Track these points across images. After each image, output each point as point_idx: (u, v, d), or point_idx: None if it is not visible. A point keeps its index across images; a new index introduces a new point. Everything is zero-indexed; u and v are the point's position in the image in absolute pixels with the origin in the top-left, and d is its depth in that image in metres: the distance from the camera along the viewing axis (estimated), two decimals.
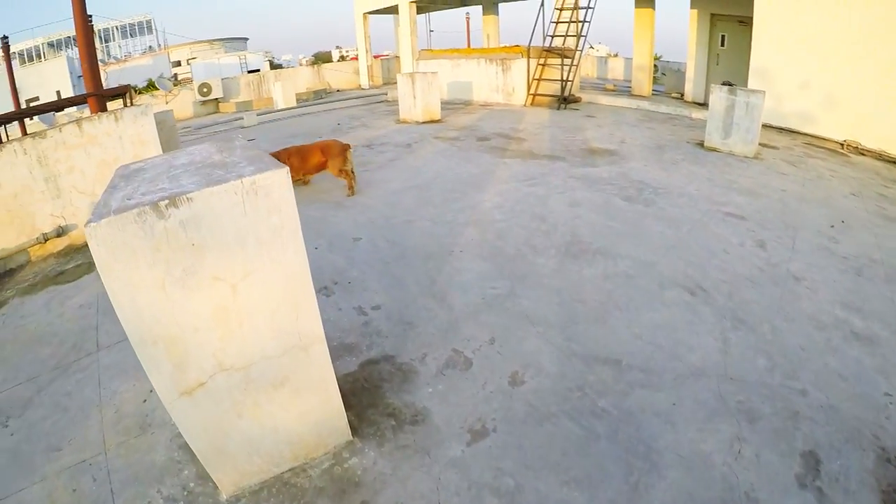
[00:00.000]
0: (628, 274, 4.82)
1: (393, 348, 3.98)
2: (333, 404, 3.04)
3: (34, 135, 6.58)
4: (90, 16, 8.01)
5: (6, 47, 9.47)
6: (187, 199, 2.26)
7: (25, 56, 35.11)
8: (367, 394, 3.57)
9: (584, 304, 4.37)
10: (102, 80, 29.26)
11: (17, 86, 26.16)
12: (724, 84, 9.18)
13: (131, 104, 7.64)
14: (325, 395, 2.99)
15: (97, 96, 7.30)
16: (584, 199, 6.56)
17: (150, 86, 27.15)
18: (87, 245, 6.23)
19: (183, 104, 24.25)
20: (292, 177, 7.13)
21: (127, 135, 6.90)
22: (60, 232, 6.83)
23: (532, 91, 14.79)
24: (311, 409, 2.98)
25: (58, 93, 26.12)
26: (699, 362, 3.78)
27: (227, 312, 2.53)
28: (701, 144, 9.33)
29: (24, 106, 26.02)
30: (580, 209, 6.24)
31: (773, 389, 3.52)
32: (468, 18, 32.98)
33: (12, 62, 35.08)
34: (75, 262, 6.52)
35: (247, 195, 2.39)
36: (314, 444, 3.08)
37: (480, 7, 26.57)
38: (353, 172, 7.38)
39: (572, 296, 4.49)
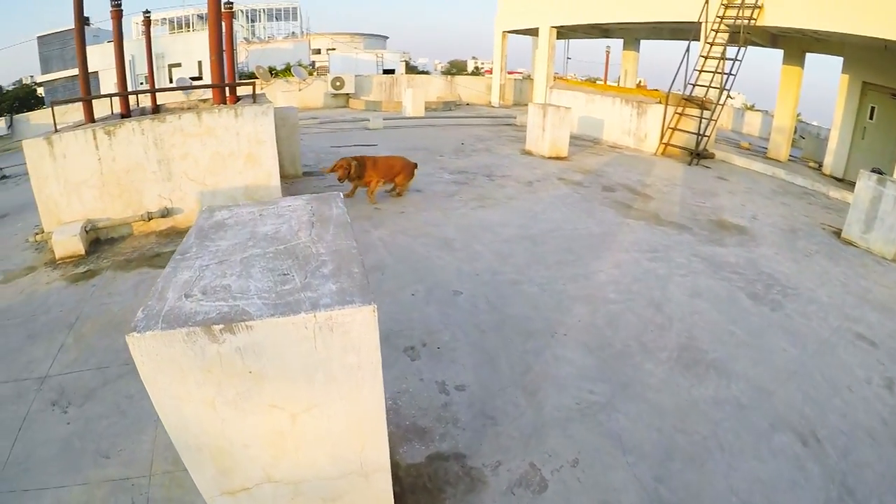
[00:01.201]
0: (741, 402, 4.06)
1: (467, 446, 3.47)
2: None
3: (154, 118, 6.63)
4: (230, 2, 8.03)
5: (147, 21, 9.66)
6: (247, 326, 1.88)
7: (175, 24, 37.18)
8: (426, 496, 3.10)
9: (685, 436, 3.68)
10: (243, 57, 30.62)
11: (162, 51, 27.84)
12: (873, 171, 8.11)
13: (254, 99, 7.62)
14: None
15: (221, 87, 7.28)
16: (707, 289, 5.81)
17: (287, 70, 28.01)
18: (187, 229, 6.17)
19: (315, 94, 24.89)
20: (374, 183, 7.32)
21: (245, 132, 6.85)
22: (165, 213, 6.93)
23: (665, 140, 13.97)
24: None
25: (199, 63, 27.52)
26: None
27: (282, 437, 2.17)
28: (837, 234, 8.29)
29: (166, 74, 27.69)
30: (701, 302, 5.51)
31: None
32: (608, 52, 32.15)
33: (162, 28, 37.42)
34: (174, 245, 6.48)
35: (319, 331, 1.97)
36: None
37: (622, 41, 25.79)
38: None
39: (675, 422, 3.81)
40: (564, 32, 23.11)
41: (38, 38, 29.01)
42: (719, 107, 13.34)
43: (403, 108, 20.29)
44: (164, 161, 6.77)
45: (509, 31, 24.36)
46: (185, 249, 2.36)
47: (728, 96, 14.11)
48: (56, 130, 6.63)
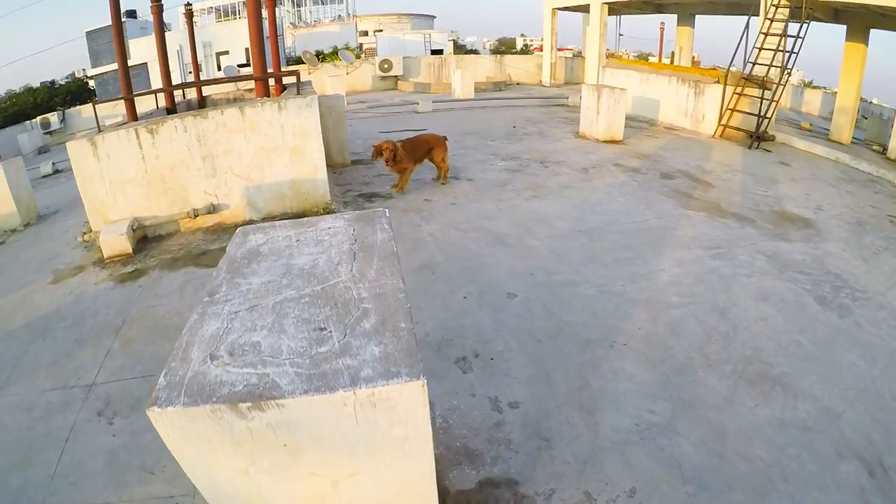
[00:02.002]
0: (806, 425, 3.62)
1: (520, 471, 3.18)
2: None
3: (197, 114, 6.51)
4: None
5: (189, 13, 9.53)
6: (277, 404, 1.63)
7: (221, 12, 37.50)
8: None
9: (748, 463, 3.30)
10: (290, 42, 30.68)
11: (210, 39, 28.04)
12: None
13: (298, 89, 7.44)
14: None
15: (264, 80, 7.09)
16: (773, 292, 5.31)
17: (334, 54, 27.93)
18: (234, 225, 6.02)
19: (363, 77, 24.73)
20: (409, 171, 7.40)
21: (289, 125, 6.65)
22: (211, 209, 6.83)
23: (724, 122, 13.21)
24: None
25: (246, 50, 27.68)
26: None
27: (324, 500, 1.91)
28: None
29: (213, 62, 27.91)
30: (767, 307, 5.01)
31: None
32: (663, 28, 30.88)
33: (209, 16, 37.75)
34: (221, 242, 6.44)
35: (360, 407, 1.71)
36: None
37: (676, 16, 24.74)
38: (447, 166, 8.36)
39: (738, 447, 3.43)
40: (616, 9, 22.26)
41: (87, 33, 29.56)
42: (781, 87, 12.53)
43: (452, 89, 19.89)
44: (208, 157, 6.64)
45: (559, 8, 23.59)
46: (214, 289, 2.12)
47: (789, 76, 13.20)
48: (99, 130, 6.61)
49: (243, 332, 1.87)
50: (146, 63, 26.94)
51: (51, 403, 3.88)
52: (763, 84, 12.47)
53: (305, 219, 2.53)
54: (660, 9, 23.78)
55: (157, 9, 7.88)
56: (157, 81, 26.74)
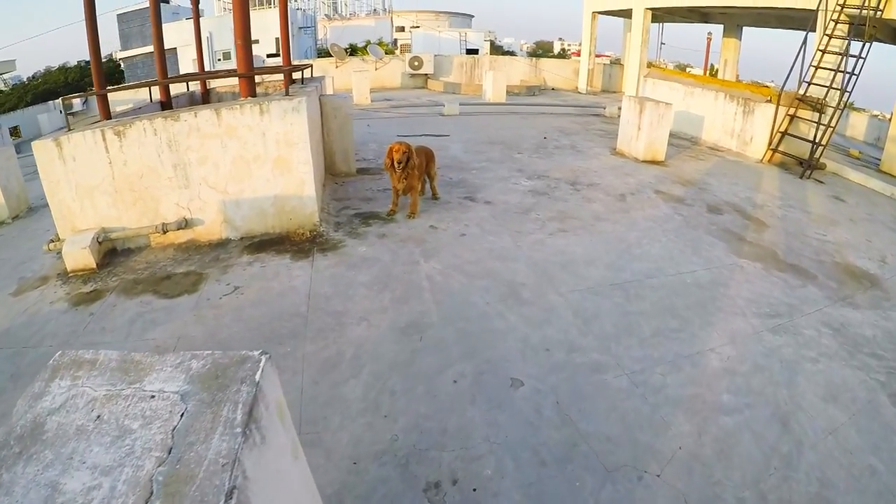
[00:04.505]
0: None
1: None
2: None
3: (168, 116, 5.63)
4: None
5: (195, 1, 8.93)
6: None
7: (256, 2, 37.11)
8: None
9: None
10: (322, 34, 30.22)
11: None
12: None
13: (302, 81, 6.55)
14: None
15: (249, 77, 6.14)
16: (844, 387, 4.09)
17: (367, 48, 27.18)
18: (208, 244, 5.94)
19: (392, 73, 23.86)
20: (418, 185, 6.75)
21: (272, 131, 5.74)
22: (183, 224, 5.97)
23: (773, 146, 11.94)
24: None
25: (276, 40, 27.10)
26: None
27: None
28: None
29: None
30: (837, 410, 3.82)
31: None
32: (710, 38, 29.29)
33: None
34: (189, 265, 5.65)
35: None
36: None
37: (722, 27, 23.37)
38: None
39: None
40: (660, 15, 21.03)
41: (118, 15, 29.28)
42: (838, 111, 11.20)
43: (484, 91, 18.87)
44: (180, 165, 5.77)
45: (600, 12, 22.40)
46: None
47: (847, 99, 11.84)
48: (69, 129, 5.82)
49: None
50: (175, 48, 26.51)
51: None
52: (819, 107, 11.20)
53: (137, 359, 1.52)
54: (706, 17, 22.51)
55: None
56: (186, 67, 26.51)
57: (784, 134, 11.68)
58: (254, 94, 6.17)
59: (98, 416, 1.32)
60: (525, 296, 4.96)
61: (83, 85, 30.67)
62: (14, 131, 19.33)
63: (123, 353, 1.62)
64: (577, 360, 4.06)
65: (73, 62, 36.54)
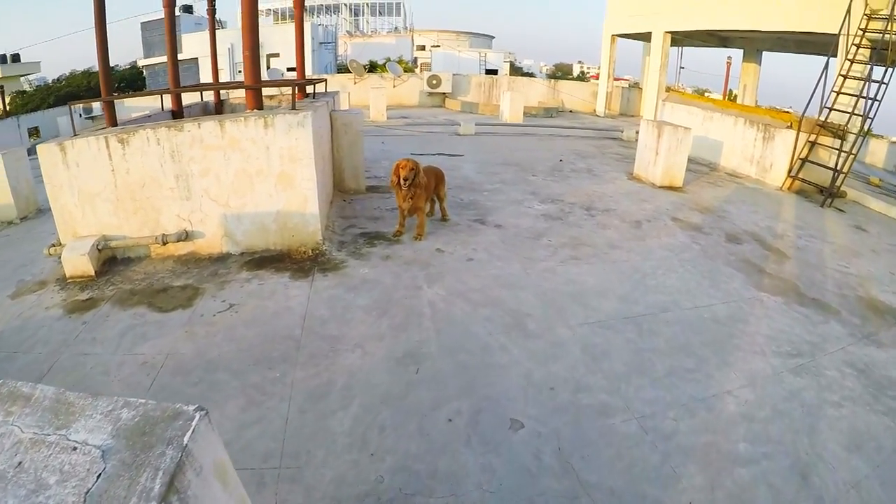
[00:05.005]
0: None
1: None
2: None
3: (171, 126, 5.52)
4: None
5: (211, 12, 8.90)
6: None
7: (279, 15, 37.58)
8: None
9: None
10: (342, 50, 30.47)
11: (262, 41, 27.78)
12: None
13: (314, 96, 6.41)
14: None
15: (256, 90, 6.01)
16: (868, 435, 3.73)
17: (383, 66, 27.28)
18: (208, 257, 5.92)
19: (410, 91, 23.85)
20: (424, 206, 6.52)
21: (276, 146, 5.59)
22: (183, 236, 5.84)
23: (794, 173, 11.61)
24: None
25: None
26: None
27: None
28: None
29: (264, 63, 27.71)
30: (861, 461, 3.49)
31: None
32: (729, 63, 29.02)
33: (267, 18, 37.92)
34: (186, 278, 5.52)
35: None
36: None
37: (741, 51, 23.14)
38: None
39: None
40: (679, 39, 20.87)
41: (142, 23, 29.72)
42: (860, 138, 10.90)
43: (501, 112, 18.75)
44: (182, 176, 5.65)
45: (619, 35, 22.27)
46: None
47: (870, 126, 11.55)
48: (75, 134, 5.76)
49: None
50: (197, 58, 26.73)
51: None
52: (840, 133, 10.91)
53: (70, 399, 1.34)
54: (725, 42, 22.34)
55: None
56: (207, 77, 26.74)
57: (804, 161, 11.38)
58: (260, 107, 6.02)
59: (19, 464, 1.15)
60: (531, 328, 4.68)
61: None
62: (34, 132, 19.45)
63: (59, 391, 1.46)
64: (584, 401, 3.77)
65: (98, 67, 36.95)
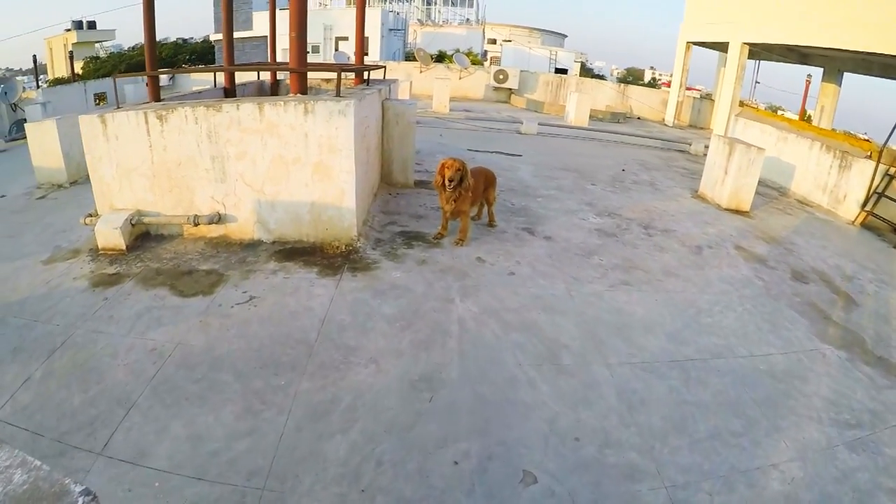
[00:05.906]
0: None
1: None
2: None
3: (210, 105, 5.35)
4: None
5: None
6: None
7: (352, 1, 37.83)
8: None
9: None
10: (412, 38, 30.34)
11: (331, 24, 27.89)
12: None
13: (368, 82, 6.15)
14: None
15: (300, 73, 5.76)
16: None
17: (450, 56, 27.01)
18: (239, 243, 5.83)
19: (476, 84, 23.48)
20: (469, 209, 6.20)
21: (315, 134, 5.33)
22: (216, 219, 5.72)
23: (869, 207, 10.69)
24: None
25: (366, 39, 27.28)
26: None
27: None
28: None
29: (332, 46, 27.87)
30: None
31: None
32: (809, 81, 27.41)
33: (339, 2, 38.06)
34: (213, 262, 5.40)
35: None
36: None
37: (822, 70, 21.90)
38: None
39: None
40: (757, 52, 19.86)
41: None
42: None
43: (566, 113, 18.20)
44: (218, 158, 5.50)
45: (694, 43, 21.37)
46: None
47: None
48: (118, 107, 5.73)
49: None
50: (266, 36, 26.87)
51: None
52: None
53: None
54: (805, 59, 21.16)
55: None
56: (277, 56, 26.81)
57: (881, 195, 10.51)
58: (304, 91, 5.77)
59: None
60: (565, 362, 4.22)
61: (176, 62, 31.63)
62: (101, 97, 19.86)
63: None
64: (610, 460, 3.30)
65: (172, 38, 37.90)
